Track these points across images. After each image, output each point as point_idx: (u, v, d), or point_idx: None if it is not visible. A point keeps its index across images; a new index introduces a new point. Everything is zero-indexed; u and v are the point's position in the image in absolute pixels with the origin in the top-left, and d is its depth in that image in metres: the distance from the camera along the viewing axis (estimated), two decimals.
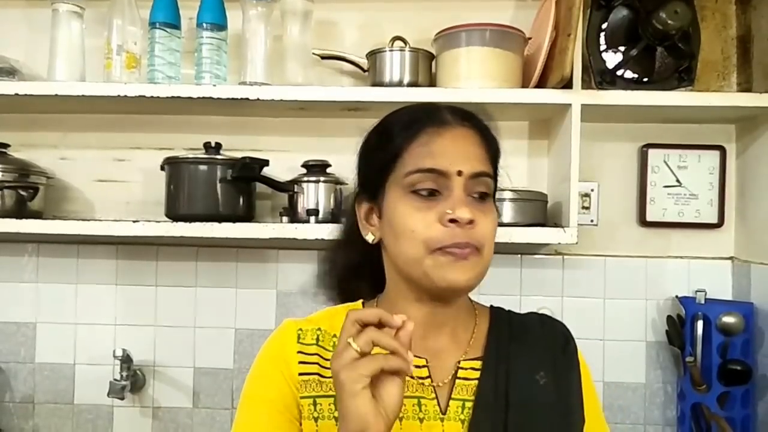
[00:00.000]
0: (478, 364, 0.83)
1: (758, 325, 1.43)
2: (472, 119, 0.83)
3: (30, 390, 1.61)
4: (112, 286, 1.61)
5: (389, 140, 0.82)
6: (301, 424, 0.81)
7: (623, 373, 1.56)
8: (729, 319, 1.42)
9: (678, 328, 1.49)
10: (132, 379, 1.53)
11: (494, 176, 0.83)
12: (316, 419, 0.80)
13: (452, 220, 0.75)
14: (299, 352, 0.83)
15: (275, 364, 0.83)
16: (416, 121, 0.81)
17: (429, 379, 0.81)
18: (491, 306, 0.92)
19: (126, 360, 1.51)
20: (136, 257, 1.61)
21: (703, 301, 1.47)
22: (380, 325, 0.68)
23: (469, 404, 0.80)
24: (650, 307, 1.56)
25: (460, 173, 0.77)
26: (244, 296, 1.60)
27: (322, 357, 0.83)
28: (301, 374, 0.81)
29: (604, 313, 1.57)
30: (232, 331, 1.59)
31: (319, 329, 0.85)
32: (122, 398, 1.50)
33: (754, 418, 1.43)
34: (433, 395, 0.80)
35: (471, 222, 0.75)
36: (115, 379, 1.50)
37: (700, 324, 1.44)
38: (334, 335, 0.84)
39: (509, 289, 1.57)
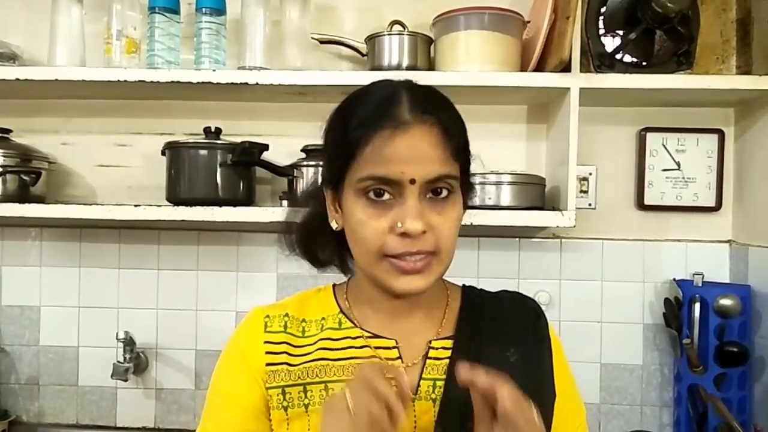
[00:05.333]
0: (449, 343, 0.83)
1: (755, 308, 1.44)
2: (435, 112, 0.76)
3: (35, 372, 1.63)
4: (114, 269, 1.63)
5: (345, 136, 0.76)
6: (270, 415, 0.81)
7: (620, 355, 1.57)
8: (726, 302, 1.43)
9: (675, 311, 1.50)
10: (135, 361, 1.55)
11: (460, 169, 0.78)
12: (285, 408, 0.80)
13: (405, 233, 0.72)
14: (266, 342, 0.83)
15: (242, 358, 0.83)
16: (373, 119, 0.74)
17: (399, 360, 0.82)
18: (463, 285, 0.92)
19: (129, 342, 1.54)
20: (138, 241, 1.62)
21: (700, 284, 1.48)
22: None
23: (440, 383, 0.80)
24: (648, 289, 1.57)
25: (413, 182, 0.73)
26: (245, 279, 1.61)
27: (290, 344, 0.83)
28: (268, 364, 0.82)
29: (601, 295, 1.58)
30: (233, 313, 1.61)
31: (286, 315, 0.85)
32: (125, 380, 1.52)
33: (750, 399, 1.44)
34: None
35: (424, 232, 0.73)
36: (119, 362, 1.52)
37: (697, 306, 1.45)
38: (303, 320, 0.85)
39: (507, 273, 1.58)
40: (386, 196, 0.75)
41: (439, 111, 0.77)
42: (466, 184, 0.83)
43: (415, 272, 0.74)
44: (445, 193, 0.76)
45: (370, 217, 0.75)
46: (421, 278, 0.75)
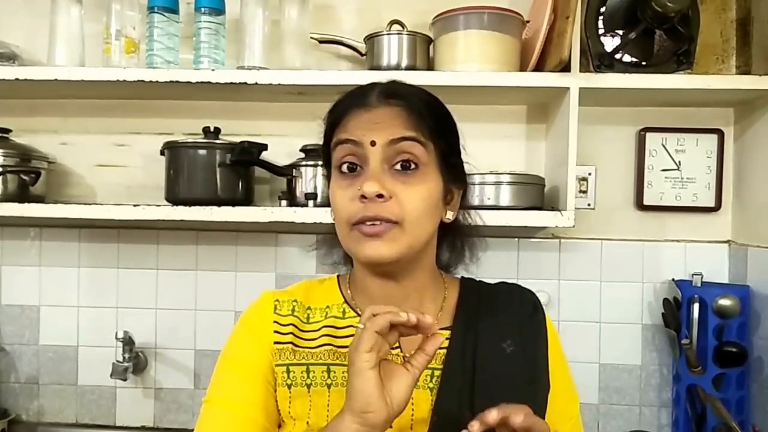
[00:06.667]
0: (446, 333, 0.85)
1: (754, 308, 1.44)
2: (402, 98, 0.81)
3: (34, 371, 1.64)
4: (113, 269, 1.63)
5: (325, 128, 0.85)
6: (276, 391, 0.84)
7: (619, 356, 1.57)
8: (725, 302, 1.43)
9: (674, 311, 1.50)
10: (134, 360, 1.55)
11: (438, 151, 0.81)
12: (289, 386, 0.83)
13: (363, 196, 0.76)
14: (275, 322, 0.87)
15: (252, 332, 0.87)
16: (347, 106, 0.82)
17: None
18: (462, 277, 0.94)
19: (128, 342, 1.54)
20: (137, 241, 1.62)
21: (699, 284, 1.48)
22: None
23: (437, 373, 0.82)
24: (647, 290, 1.57)
25: (373, 143, 0.78)
26: (244, 279, 1.61)
27: (296, 327, 0.86)
28: (276, 343, 0.85)
29: (600, 296, 1.58)
30: (232, 313, 1.61)
31: (295, 301, 0.89)
32: (125, 379, 1.52)
33: (749, 400, 1.44)
34: None
35: (381, 196, 0.76)
36: (118, 361, 1.52)
37: (696, 307, 1.45)
38: (308, 307, 0.89)
39: (506, 273, 1.57)
40: (357, 170, 0.79)
41: (408, 97, 0.81)
42: (449, 169, 0.84)
43: (376, 236, 0.76)
44: (412, 166, 0.79)
45: (341, 187, 0.80)
46: (385, 245, 0.77)
